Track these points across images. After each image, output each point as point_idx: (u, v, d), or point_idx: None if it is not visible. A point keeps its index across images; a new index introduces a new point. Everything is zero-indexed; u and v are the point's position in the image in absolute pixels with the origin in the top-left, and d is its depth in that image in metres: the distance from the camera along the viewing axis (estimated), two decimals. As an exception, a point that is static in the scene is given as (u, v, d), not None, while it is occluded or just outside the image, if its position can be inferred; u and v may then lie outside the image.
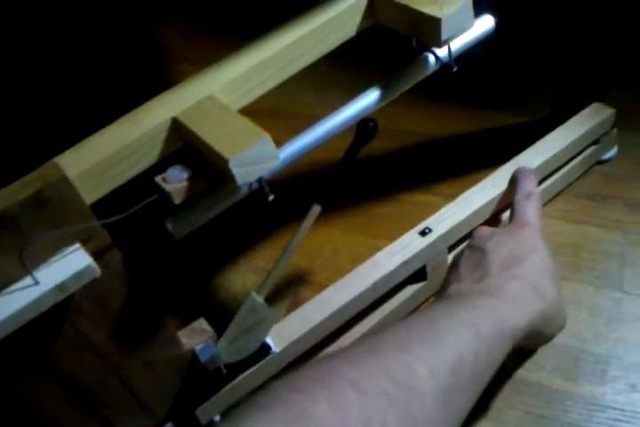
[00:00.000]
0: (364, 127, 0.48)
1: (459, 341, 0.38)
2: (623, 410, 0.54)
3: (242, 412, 0.31)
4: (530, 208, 0.55)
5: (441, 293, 0.50)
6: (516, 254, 0.48)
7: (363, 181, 0.79)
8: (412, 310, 0.64)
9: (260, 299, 0.51)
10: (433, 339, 0.38)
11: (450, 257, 0.63)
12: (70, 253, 0.38)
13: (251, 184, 0.43)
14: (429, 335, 0.39)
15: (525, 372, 0.57)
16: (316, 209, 0.51)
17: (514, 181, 0.60)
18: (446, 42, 0.45)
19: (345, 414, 0.31)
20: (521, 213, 0.54)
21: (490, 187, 0.63)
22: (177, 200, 0.40)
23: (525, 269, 0.47)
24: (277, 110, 0.84)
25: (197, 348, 0.51)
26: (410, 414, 0.33)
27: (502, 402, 0.56)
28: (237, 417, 0.31)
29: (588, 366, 0.57)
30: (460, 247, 0.54)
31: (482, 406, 0.55)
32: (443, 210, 0.63)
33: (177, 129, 0.42)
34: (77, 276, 0.37)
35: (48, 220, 0.37)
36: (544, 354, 0.58)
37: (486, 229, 0.53)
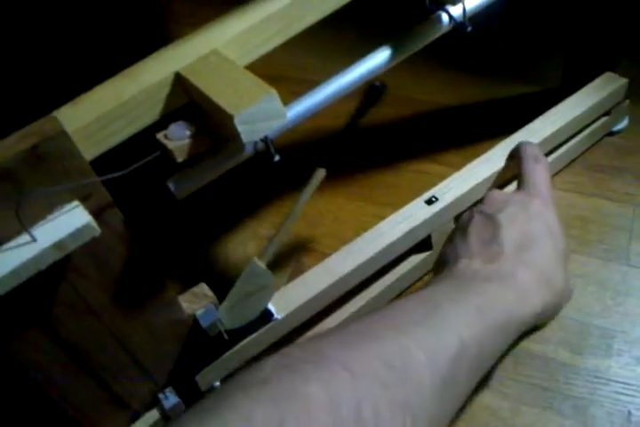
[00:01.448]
0: (372, 87, 0.47)
1: (463, 327, 0.37)
2: (627, 384, 0.53)
3: (229, 389, 0.30)
4: (539, 174, 0.52)
5: (447, 264, 0.47)
6: (529, 233, 0.46)
7: (369, 149, 0.77)
8: (417, 279, 0.63)
9: (262, 265, 0.50)
10: (435, 323, 0.36)
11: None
12: (69, 210, 0.37)
13: (256, 143, 0.41)
14: (431, 319, 0.37)
15: (530, 344, 0.56)
16: (321, 172, 0.49)
17: (516, 153, 0.58)
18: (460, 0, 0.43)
19: (335, 396, 0.29)
20: (531, 180, 0.52)
21: (498, 157, 0.62)
22: (179, 158, 0.39)
23: (537, 254, 0.45)
24: (283, 76, 0.82)
25: (198, 313, 0.50)
26: (404, 401, 0.31)
27: (506, 374, 0.55)
28: (224, 394, 0.29)
29: (594, 339, 0.56)
30: (468, 210, 0.51)
31: (485, 377, 0.55)
32: (449, 179, 0.62)
33: (180, 84, 0.40)
34: (76, 234, 0.36)
35: (46, 175, 0.36)
36: (550, 327, 0.57)
37: (499, 195, 0.50)
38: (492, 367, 0.55)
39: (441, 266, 0.48)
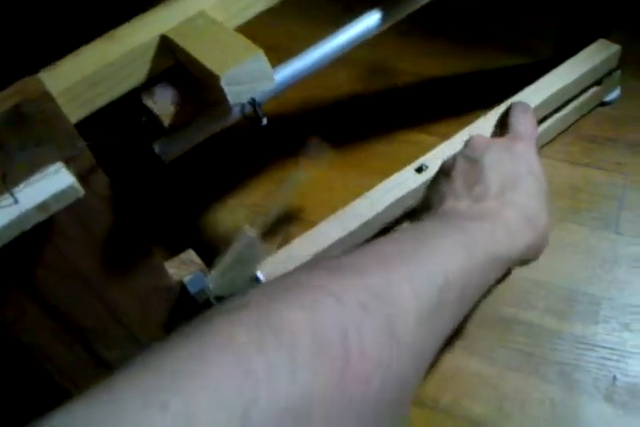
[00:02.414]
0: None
1: (449, 262, 0.36)
2: (613, 349, 0.54)
3: (210, 315, 0.29)
4: (525, 121, 0.52)
5: (431, 206, 0.47)
6: (513, 174, 0.46)
7: (359, 120, 0.77)
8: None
9: (252, 233, 0.50)
10: (421, 257, 0.36)
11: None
12: (53, 172, 0.37)
13: (244, 107, 0.41)
14: (417, 254, 0.36)
15: (517, 311, 0.57)
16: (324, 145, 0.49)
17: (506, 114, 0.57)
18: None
19: (319, 319, 0.29)
20: (515, 126, 0.52)
21: (488, 124, 0.61)
22: (165, 122, 0.39)
23: (522, 193, 0.45)
24: (275, 45, 0.81)
25: (186, 279, 0.50)
26: (389, 330, 0.31)
27: (493, 340, 0.55)
28: (204, 320, 0.28)
29: (581, 306, 0.57)
30: (457, 145, 0.51)
31: (472, 344, 0.55)
32: (439, 147, 0.62)
33: (166, 46, 0.40)
34: (59, 195, 0.35)
35: (29, 137, 0.35)
36: (537, 294, 0.58)
37: (481, 139, 0.50)
38: (480, 333, 0.55)
39: (424, 209, 0.48)
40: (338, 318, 0.29)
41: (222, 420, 0.23)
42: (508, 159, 0.47)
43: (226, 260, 0.50)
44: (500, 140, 0.50)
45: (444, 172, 0.49)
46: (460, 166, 0.48)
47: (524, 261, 0.46)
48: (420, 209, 0.50)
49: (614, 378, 0.52)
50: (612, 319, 0.55)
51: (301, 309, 0.29)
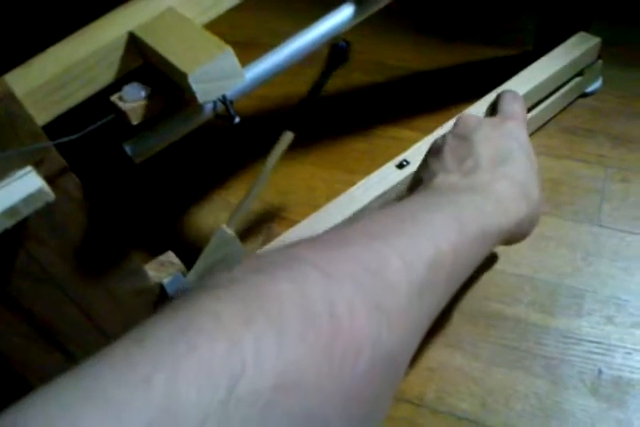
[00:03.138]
0: (335, 47, 0.46)
1: (439, 234, 0.36)
2: (599, 342, 0.53)
3: (197, 290, 0.28)
4: (515, 103, 0.52)
5: (422, 183, 0.47)
6: (503, 149, 0.46)
7: (340, 116, 0.76)
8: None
9: (230, 231, 0.50)
10: (411, 230, 0.35)
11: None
12: (21, 176, 0.36)
13: (215, 105, 0.40)
14: (407, 227, 0.36)
15: (502, 306, 0.57)
16: (288, 136, 0.48)
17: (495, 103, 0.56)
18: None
19: (307, 293, 0.28)
20: (506, 107, 0.52)
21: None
22: (134, 120, 0.38)
23: (513, 167, 0.45)
24: (255, 41, 0.81)
25: (165, 281, 0.49)
26: (380, 302, 0.30)
27: (477, 336, 0.55)
28: (191, 295, 0.28)
29: (565, 299, 0.56)
30: (440, 133, 0.50)
31: (457, 340, 0.55)
32: (420, 143, 0.61)
33: (134, 45, 0.39)
34: (29, 199, 0.35)
35: (-5, 140, 0.34)
36: (521, 288, 0.57)
37: (472, 117, 0.50)
38: (463, 330, 0.55)
39: (415, 186, 0.48)
40: (326, 290, 0.29)
41: (207, 393, 0.23)
42: (498, 135, 0.47)
43: (203, 260, 0.49)
44: (489, 119, 0.50)
45: (434, 150, 0.49)
46: (450, 143, 0.48)
47: (517, 236, 0.46)
48: (411, 186, 0.50)
49: (599, 371, 0.52)
50: (595, 312, 0.55)
51: (288, 281, 0.28)
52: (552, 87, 0.67)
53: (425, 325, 0.34)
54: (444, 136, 0.49)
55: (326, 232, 0.35)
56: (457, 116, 0.51)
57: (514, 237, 0.45)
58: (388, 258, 0.32)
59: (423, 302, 0.33)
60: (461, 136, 0.47)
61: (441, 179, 0.44)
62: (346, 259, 0.31)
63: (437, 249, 0.35)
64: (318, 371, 0.26)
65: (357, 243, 0.33)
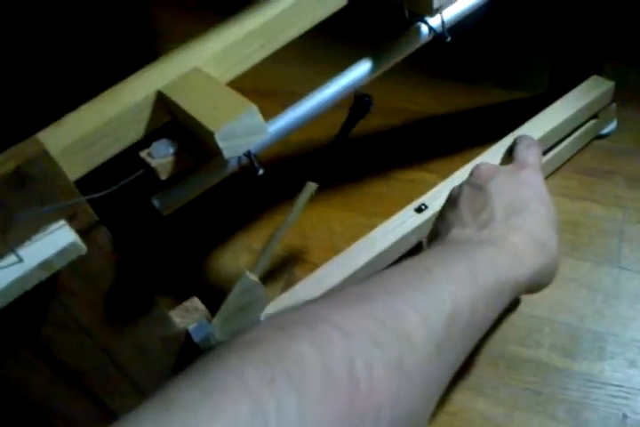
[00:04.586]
0: (359, 102, 0.47)
1: (456, 289, 0.36)
2: (621, 386, 0.53)
3: (220, 351, 0.29)
4: (531, 152, 0.52)
5: (439, 236, 0.47)
6: (519, 199, 0.46)
7: (358, 160, 0.78)
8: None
9: (254, 277, 0.51)
10: (428, 286, 0.36)
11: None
12: (55, 230, 0.37)
13: (239, 158, 0.42)
14: (424, 283, 0.36)
15: (523, 349, 0.57)
16: (312, 186, 0.49)
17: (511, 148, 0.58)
18: (438, 10, 0.43)
19: (328, 354, 0.29)
20: (521, 156, 0.52)
21: (488, 161, 0.62)
22: (163, 175, 0.39)
23: (529, 218, 0.45)
24: (274, 90, 0.83)
25: (191, 327, 0.50)
26: (398, 360, 0.31)
27: (499, 379, 0.55)
28: (216, 355, 0.29)
29: (587, 342, 0.56)
30: (457, 183, 0.51)
31: (478, 383, 0.55)
32: (438, 186, 0.62)
33: (162, 103, 0.41)
34: (62, 253, 0.36)
35: (31, 197, 0.36)
36: (542, 331, 0.58)
37: (487, 167, 0.50)
38: (485, 372, 0.55)
39: (433, 240, 0.48)
40: (346, 351, 0.29)
41: None
42: (513, 185, 0.47)
43: (228, 306, 0.50)
44: (505, 167, 0.50)
45: (451, 200, 0.50)
46: (466, 194, 0.48)
47: (535, 287, 0.46)
48: (429, 239, 0.51)
49: (624, 416, 0.52)
50: (618, 355, 0.55)
51: (309, 343, 0.29)
52: (567, 130, 0.68)
53: (445, 380, 0.35)
54: (460, 186, 0.50)
55: (344, 288, 0.36)
56: (473, 165, 0.52)
57: (532, 287, 0.45)
58: (406, 314, 0.33)
59: (442, 358, 0.34)
60: (477, 186, 0.48)
61: (457, 232, 0.45)
62: (364, 316, 0.32)
63: (454, 304, 0.35)
64: None
65: (375, 299, 0.34)
